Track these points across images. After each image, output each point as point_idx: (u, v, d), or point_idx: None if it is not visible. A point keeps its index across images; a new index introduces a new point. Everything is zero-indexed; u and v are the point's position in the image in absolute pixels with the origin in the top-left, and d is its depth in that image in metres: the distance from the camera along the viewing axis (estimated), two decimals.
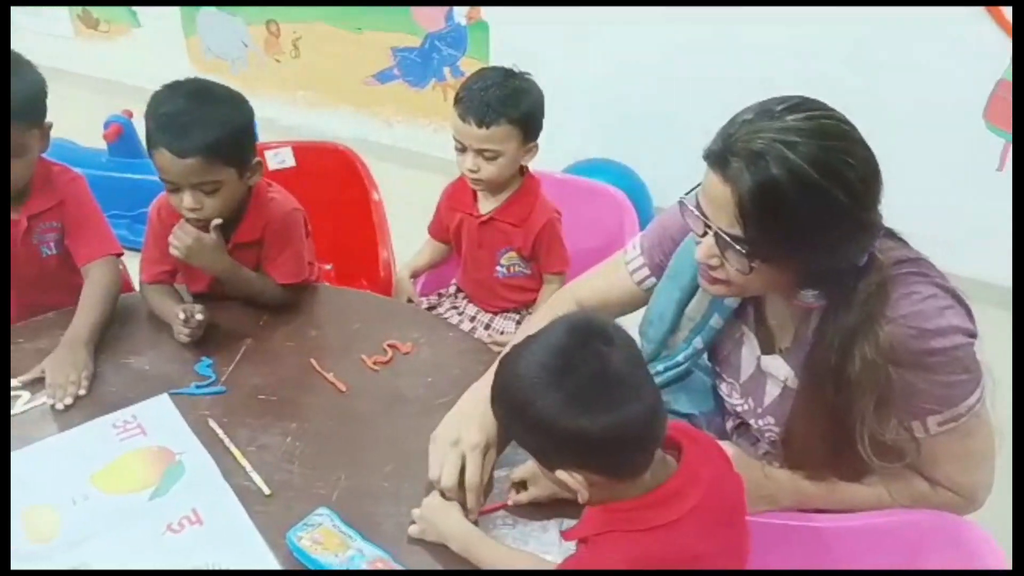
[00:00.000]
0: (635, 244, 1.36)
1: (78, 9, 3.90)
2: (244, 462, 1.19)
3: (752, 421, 1.29)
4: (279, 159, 1.96)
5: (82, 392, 1.29)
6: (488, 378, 1.19)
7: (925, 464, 1.13)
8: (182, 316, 1.36)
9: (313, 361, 1.39)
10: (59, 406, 1.26)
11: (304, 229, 1.52)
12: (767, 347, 1.23)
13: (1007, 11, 2.25)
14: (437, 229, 1.73)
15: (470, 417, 1.14)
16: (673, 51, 2.74)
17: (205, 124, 1.32)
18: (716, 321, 1.26)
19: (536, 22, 2.89)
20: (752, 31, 2.59)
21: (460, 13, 3.06)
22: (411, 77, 3.31)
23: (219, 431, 1.24)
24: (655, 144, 2.81)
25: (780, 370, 1.20)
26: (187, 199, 1.35)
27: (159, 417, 1.26)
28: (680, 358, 1.33)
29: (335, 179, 2.05)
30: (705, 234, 1.06)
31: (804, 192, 0.94)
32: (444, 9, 3.08)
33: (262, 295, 1.49)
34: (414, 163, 3.26)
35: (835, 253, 1.01)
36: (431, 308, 1.76)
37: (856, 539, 1.15)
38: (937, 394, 1.06)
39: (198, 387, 1.33)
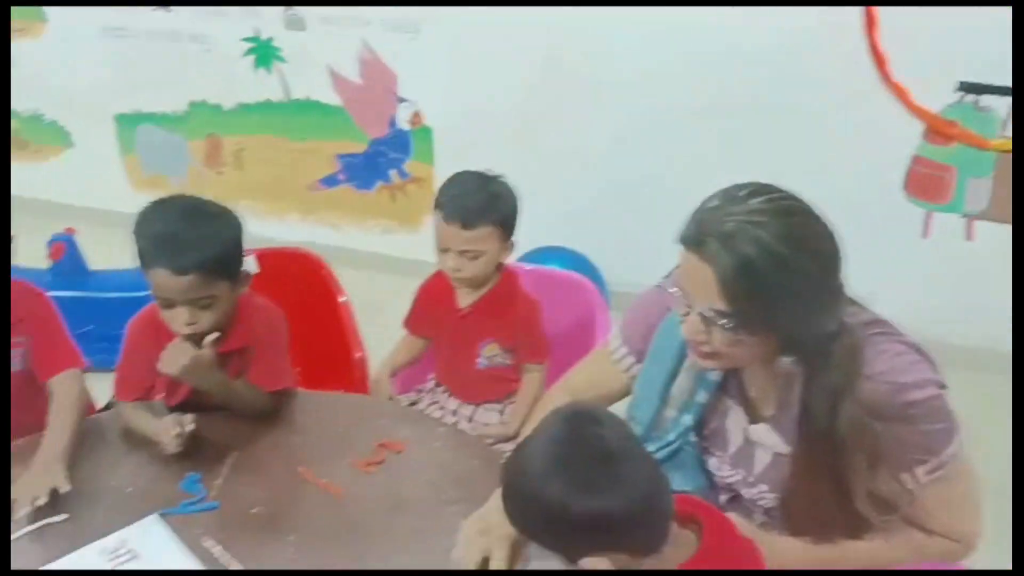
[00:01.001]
0: (615, 335, 1.41)
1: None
2: None
3: (744, 491, 1.32)
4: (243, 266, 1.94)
5: (40, 502, 1.22)
6: None
7: (919, 515, 1.17)
8: (175, 431, 1.32)
9: (303, 468, 1.36)
10: (25, 518, 1.21)
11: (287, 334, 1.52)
12: (752, 417, 1.27)
13: (911, 93, 2.47)
14: (416, 324, 1.74)
15: (496, 509, 1.14)
16: (615, 141, 2.88)
17: (201, 241, 1.32)
18: (702, 396, 1.30)
19: (478, 124, 3.01)
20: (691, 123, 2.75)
21: (403, 119, 3.15)
22: (356, 181, 3.37)
23: (218, 549, 1.19)
24: (605, 229, 2.91)
25: (768, 438, 1.24)
26: (183, 315, 1.34)
27: (151, 540, 1.20)
28: (671, 436, 1.35)
29: (299, 284, 2.05)
30: (688, 313, 1.11)
31: (777, 266, 1.02)
32: (387, 116, 3.17)
33: (250, 406, 1.46)
34: (364, 264, 3.27)
35: (810, 320, 1.08)
36: (411, 405, 1.75)
37: None
38: (921, 444, 1.12)
39: (188, 505, 1.28)
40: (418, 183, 3.27)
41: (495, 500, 1.16)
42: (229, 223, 1.40)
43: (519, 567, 1.10)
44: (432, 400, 1.75)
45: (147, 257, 1.33)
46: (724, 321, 1.07)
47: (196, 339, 1.37)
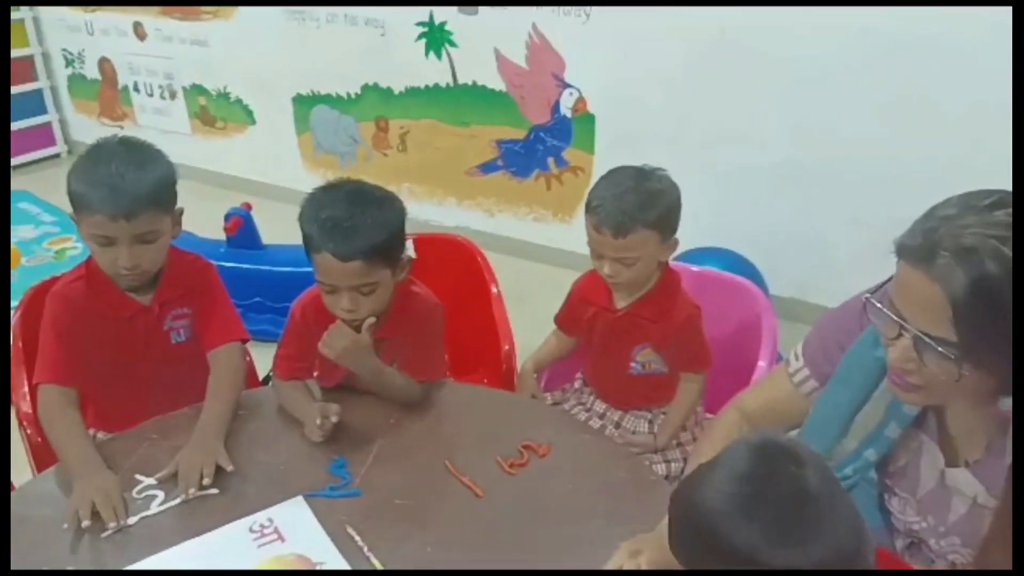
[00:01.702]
0: (797, 354, 1.28)
1: (196, 108, 4.14)
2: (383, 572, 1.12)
3: (932, 540, 1.16)
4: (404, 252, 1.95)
5: (206, 481, 1.26)
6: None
7: None
8: (319, 420, 1.33)
9: (447, 463, 1.33)
10: (189, 494, 1.24)
11: (443, 325, 1.50)
12: (951, 459, 1.12)
13: None
14: (567, 323, 1.68)
15: (657, 535, 1.07)
16: (789, 129, 2.68)
17: (368, 228, 1.32)
18: (892, 430, 1.15)
19: (642, 112, 2.90)
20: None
21: (566, 106, 3.09)
22: (514, 168, 3.34)
23: (358, 539, 1.18)
24: (771, 228, 2.73)
25: (968, 485, 1.09)
26: (345, 301, 1.35)
27: (296, 522, 1.21)
28: (848, 470, 1.21)
29: (453, 270, 2.04)
30: (899, 336, 0.97)
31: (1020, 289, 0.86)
32: (550, 102, 3.12)
33: (400, 393, 1.45)
34: (514, 251, 3.26)
35: None
36: (555, 404, 1.69)
37: None
38: None
39: (333, 489, 1.28)
40: (575, 172, 3.20)
41: (661, 528, 1.08)
42: (394, 209, 1.39)
43: None
44: (578, 401, 1.68)
45: (313, 241, 1.34)
46: (945, 350, 0.92)
47: (356, 323, 1.37)
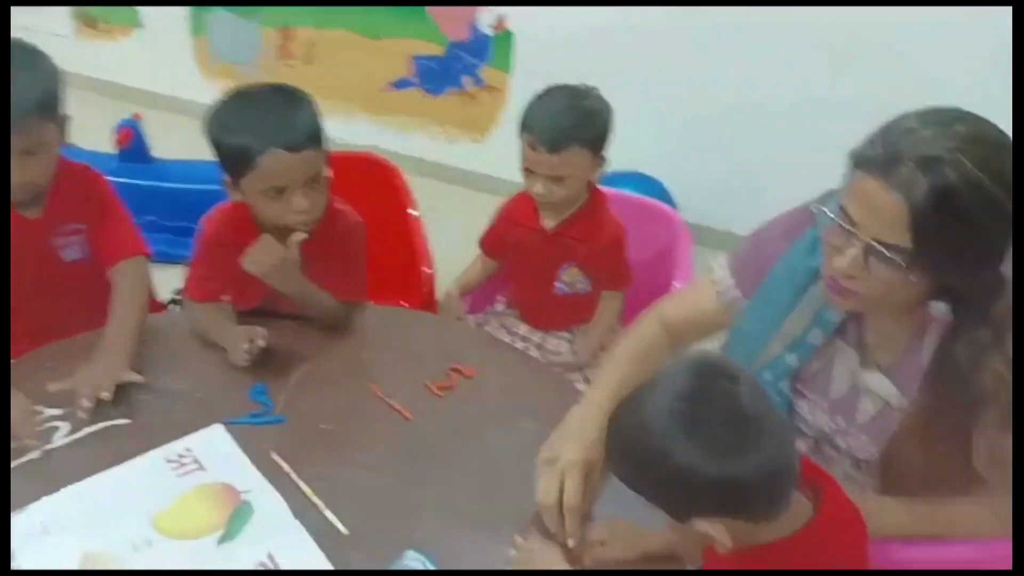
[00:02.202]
0: (722, 266, 1.30)
1: (77, 8, 3.77)
2: (316, 500, 1.09)
3: (841, 440, 1.23)
4: None
5: (105, 395, 1.19)
6: (592, 397, 1.17)
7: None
8: (246, 344, 1.27)
9: (373, 387, 1.31)
10: (84, 407, 1.18)
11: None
12: (865, 363, 1.18)
13: None
14: (493, 246, 1.65)
15: (570, 435, 1.11)
16: (704, 57, 2.68)
17: (307, 115, 1.29)
18: (815, 336, 1.19)
19: (563, 33, 2.83)
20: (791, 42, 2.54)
21: (486, 23, 2.98)
22: (429, 85, 3.23)
23: (284, 465, 1.15)
24: (687, 157, 2.75)
25: (882, 387, 1.15)
26: (299, 199, 1.27)
27: (217, 450, 1.16)
28: (768, 376, 1.25)
29: (370, 191, 1.96)
30: (849, 244, 0.99)
31: (980, 201, 0.90)
32: (469, 18, 3.00)
33: (327, 314, 1.40)
34: (426, 172, 3.17)
35: (987, 265, 0.96)
36: (479, 326, 1.68)
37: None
38: None
39: (254, 416, 1.24)
40: (491, 92, 3.12)
41: (562, 430, 1.13)
42: (311, 100, 1.34)
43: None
44: (500, 324, 1.68)
45: (253, 145, 1.25)
46: (898, 257, 0.95)
47: (281, 238, 1.30)
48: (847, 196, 1.00)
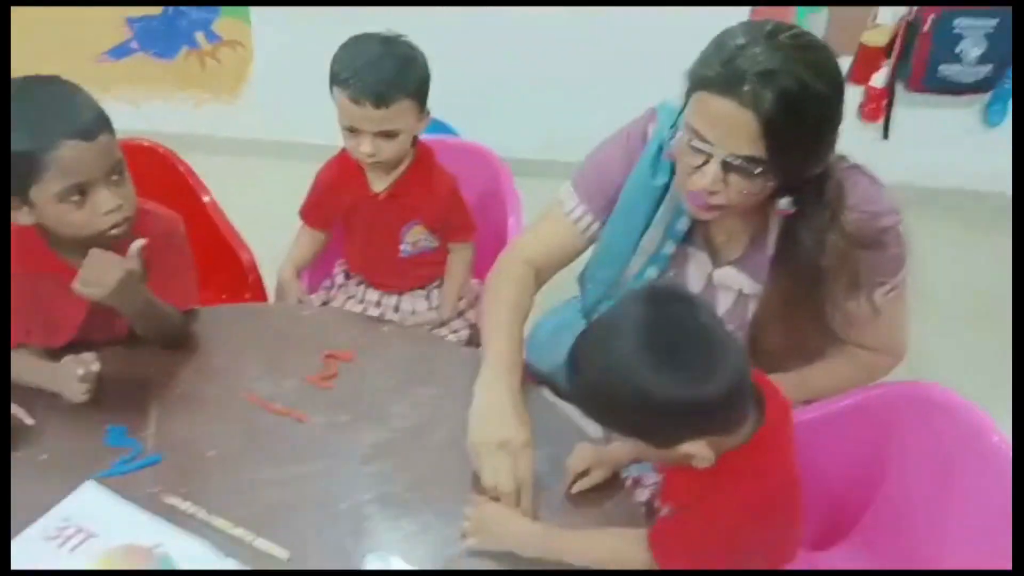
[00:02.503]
0: (571, 194, 1.33)
1: None
2: (238, 532, 1.01)
3: None
4: None
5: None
6: (493, 371, 1.16)
7: (865, 335, 1.26)
8: (80, 371, 1.11)
9: (250, 396, 1.20)
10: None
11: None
12: (715, 261, 1.29)
13: None
14: (317, 217, 1.55)
15: (506, 414, 1.10)
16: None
17: (84, 98, 1.13)
18: (669, 247, 1.29)
19: None
20: None
21: None
22: (155, 48, 2.89)
23: (185, 505, 1.03)
24: (465, 96, 2.74)
25: (734, 280, 1.27)
26: (106, 198, 1.11)
27: (100, 510, 1.02)
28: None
29: (150, 184, 1.74)
30: (707, 162, 1.06)
31: (817, 102, 1.01)
32: None
33: (170, 330, 1.26)
34: (179, 145, 2.87)
35: (826, 156, 1.09)
36: (325, 304, 1.59)
37: (833, 425, 1.27)
38: (886, 267, 1.20)
39: (126, 462, 1.09)
40: (233, 47, 2.87)
41: (483, 408, 1.11)
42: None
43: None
44: (348, 295, 1.60)
45: (40, 140, 1.07)
46: (755, 168, 1.04)
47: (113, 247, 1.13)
48: (697, 117, 1.06)
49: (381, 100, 1.32)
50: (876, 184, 1.18)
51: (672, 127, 1.17)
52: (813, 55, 1.03)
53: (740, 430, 0.89)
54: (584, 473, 1.08)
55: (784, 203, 1.14)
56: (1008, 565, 0.95)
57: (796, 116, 1.01)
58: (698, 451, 0.86)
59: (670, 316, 0.85)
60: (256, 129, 2.96)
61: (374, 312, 1.55)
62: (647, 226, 1.27)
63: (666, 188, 1.24)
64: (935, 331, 2.26)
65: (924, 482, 1.20)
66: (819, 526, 1.30)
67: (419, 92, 1.37)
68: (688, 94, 1.09)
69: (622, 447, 1.06)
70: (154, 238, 1.23)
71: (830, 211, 1.12)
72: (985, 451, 1.12)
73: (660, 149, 1.23)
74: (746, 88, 1.00)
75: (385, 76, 1.32)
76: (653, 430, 0.88)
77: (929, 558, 1.17)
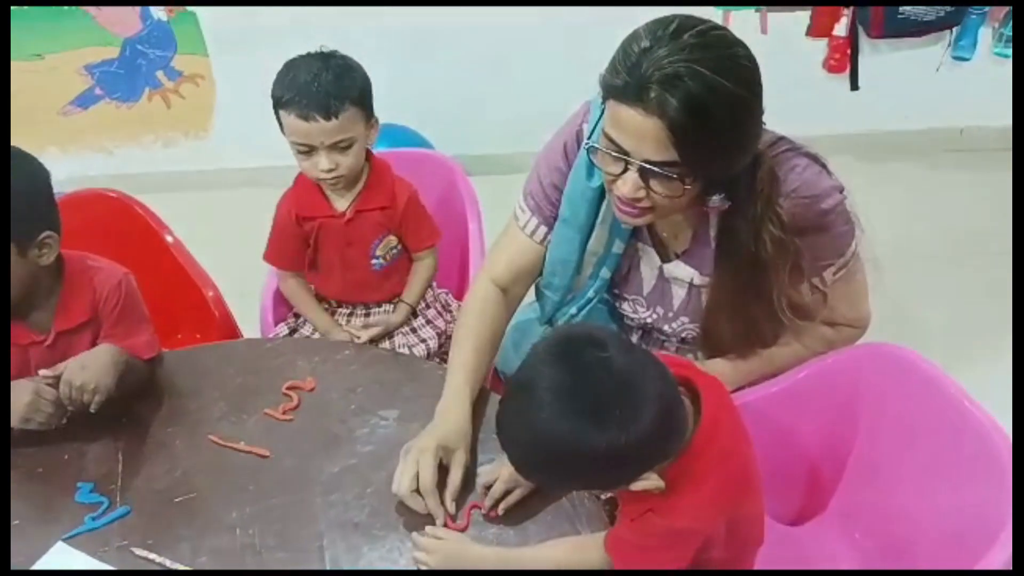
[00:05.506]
0: (522, 207, 1.34)
1: None
2: None
3: (665, 326, 1.35)
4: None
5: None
6: (451, 381, 1.19)
7: (824, 312, 1.25)
8: (28, 398, 1.15)
9: (212, 438, 1.21)
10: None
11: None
12: (664, 256, 1.29)
13: None
14: (285, 256, 1.54)
15: (432, 425, 1.13)
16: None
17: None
18: (617, 246, 1.29)
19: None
20: None
21: (156, 10, 2.71)
22: (118, 93, 2.90)
23: (154, 557, 1.05)
24: (422, 97, 2.74)
25: (684, 272, 1.27)
26: None
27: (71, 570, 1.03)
28: (591, 293, 1.35)
29: (111, 231, 1.75)
30: (626, 170, 1.05)
31: (724, 102, 0.98)
32: (136, 8, 2.70)
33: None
34: (153, 188, 2.89)
35: (747, 153, 1.06)
36: (292, 332, 1.60)
37: (801, 395, 1.27)
38: (831, 248, 1.18)
39: (94, 519, 1.11)
40: (195, 81, 2.88)
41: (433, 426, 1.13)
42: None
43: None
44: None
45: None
46: (671, 172, 1.02)
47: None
48: (610, 126, 1.05)
49: (329, 111, 1.34)
50: (815, 165, 1.15)
51: (591, 133, 1.16)
52: (720, 52, 0.99)
53: (682, 443, 0.89)
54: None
55: (716, 200, 1.13)
56: (974, 517, 0.95)
57: (704, 119, 0.98)
58: (648, 484, 0.86)
59: (583, 370, 0.82)
60: (233, 158, 2.97)
61: (343, 322, 1.56)
62: (592, 229, 1.27)
63: (604, 189, 1.23)
64: (920, 273, 2.24)
65: (892, 439, 1.20)
66: (798, 500, 1.30)
67: (363, 99, 1.38)
68: (603, 102, 1.07)
69: None
70: (104, 293, 1.25)
71: (763, 202, 1.10)
72: (946, 405, 1.11)
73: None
74: (652, 95, 0.97)
75: (328, 88, 1.34)
76: (601, 482, 0.88)
77: (900, 513, 1.17)
